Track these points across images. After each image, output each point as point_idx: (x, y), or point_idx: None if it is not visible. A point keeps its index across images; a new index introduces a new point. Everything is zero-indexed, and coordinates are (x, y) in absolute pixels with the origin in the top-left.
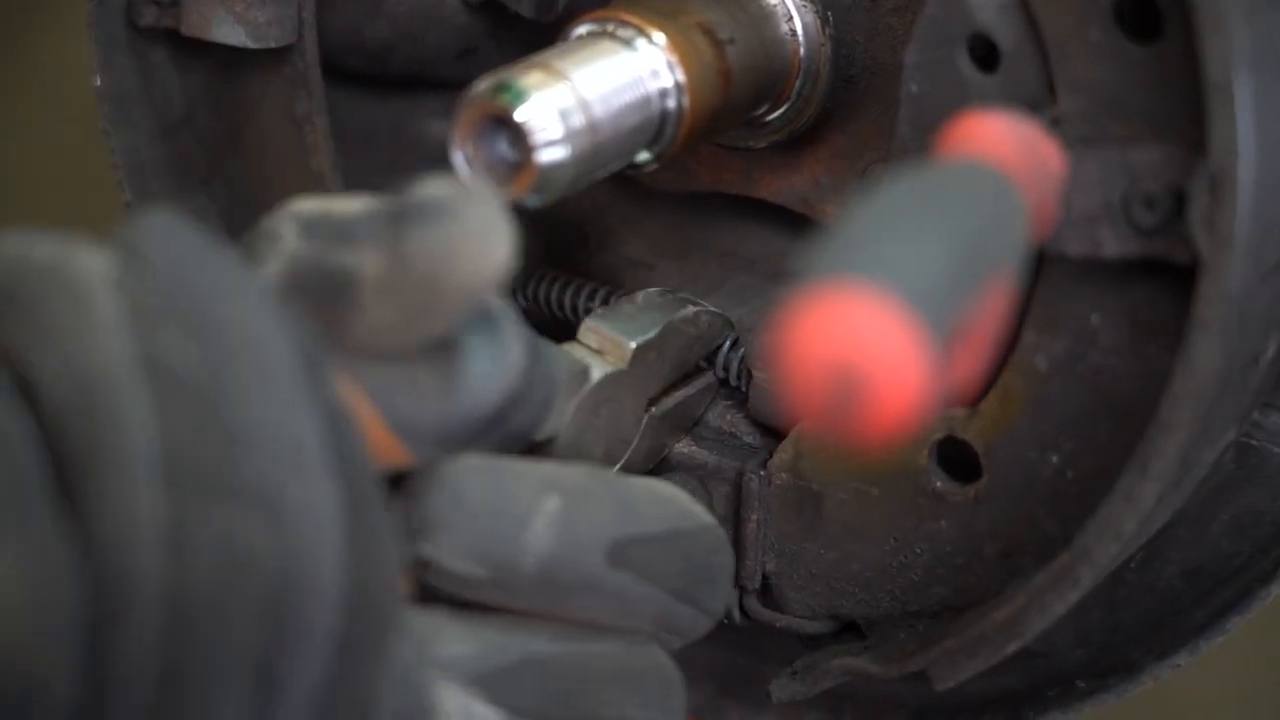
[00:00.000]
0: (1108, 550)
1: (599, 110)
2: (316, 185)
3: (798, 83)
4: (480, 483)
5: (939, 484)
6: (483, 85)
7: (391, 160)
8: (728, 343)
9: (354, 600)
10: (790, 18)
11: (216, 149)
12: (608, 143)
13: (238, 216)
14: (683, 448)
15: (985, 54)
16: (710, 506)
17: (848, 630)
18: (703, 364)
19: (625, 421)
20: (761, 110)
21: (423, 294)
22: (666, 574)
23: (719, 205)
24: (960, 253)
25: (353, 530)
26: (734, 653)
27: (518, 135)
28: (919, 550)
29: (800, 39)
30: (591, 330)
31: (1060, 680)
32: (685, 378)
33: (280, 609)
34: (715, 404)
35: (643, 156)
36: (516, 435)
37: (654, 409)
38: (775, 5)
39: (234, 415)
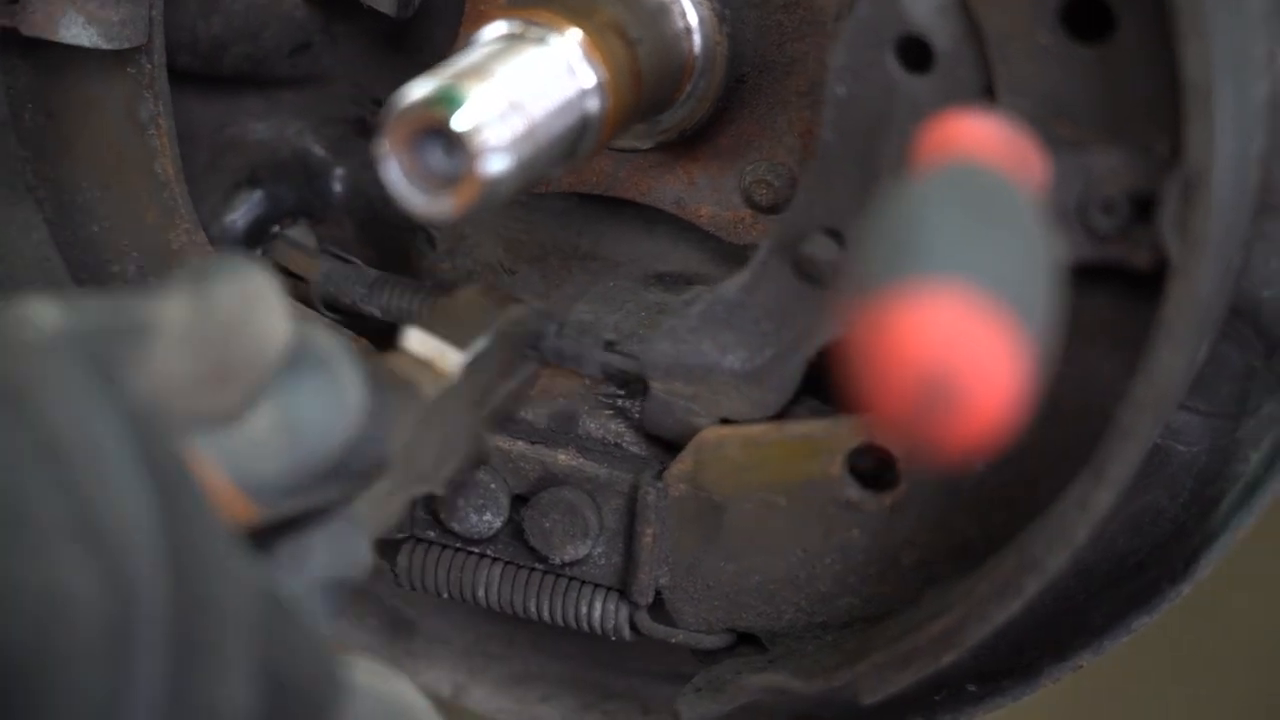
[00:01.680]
0: (1058, 559)
1: (537, 115)
2: (160, 192)
3: (691, 83)
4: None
5: (852, 494)
6: (416, 94)
7: (212, 161)
8: (553, 331)
9: (181, 606)
10: (684, 14)
11: (46, 154)
12: (544, 149)
13: (70, 224)
14: (570, 460)
15: (916, 55)
16: (600, 521)
17: (744, 643)
18: (527, 352)
19: (454, 430)
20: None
21: (224, 342)
22: None
23: (572, 205)
24: (1027, 252)
25: (172, 534)
26: (598, 668)
27: (457, 146)
28: (829, 561)
29: (695, 36)
30: (418, 339)
31: (947, 684)
32: (506, 376)
33: (107, 639)
34: (596, 413)
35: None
36: (360, 474)
37: (480, 411)
38: (670, 1)
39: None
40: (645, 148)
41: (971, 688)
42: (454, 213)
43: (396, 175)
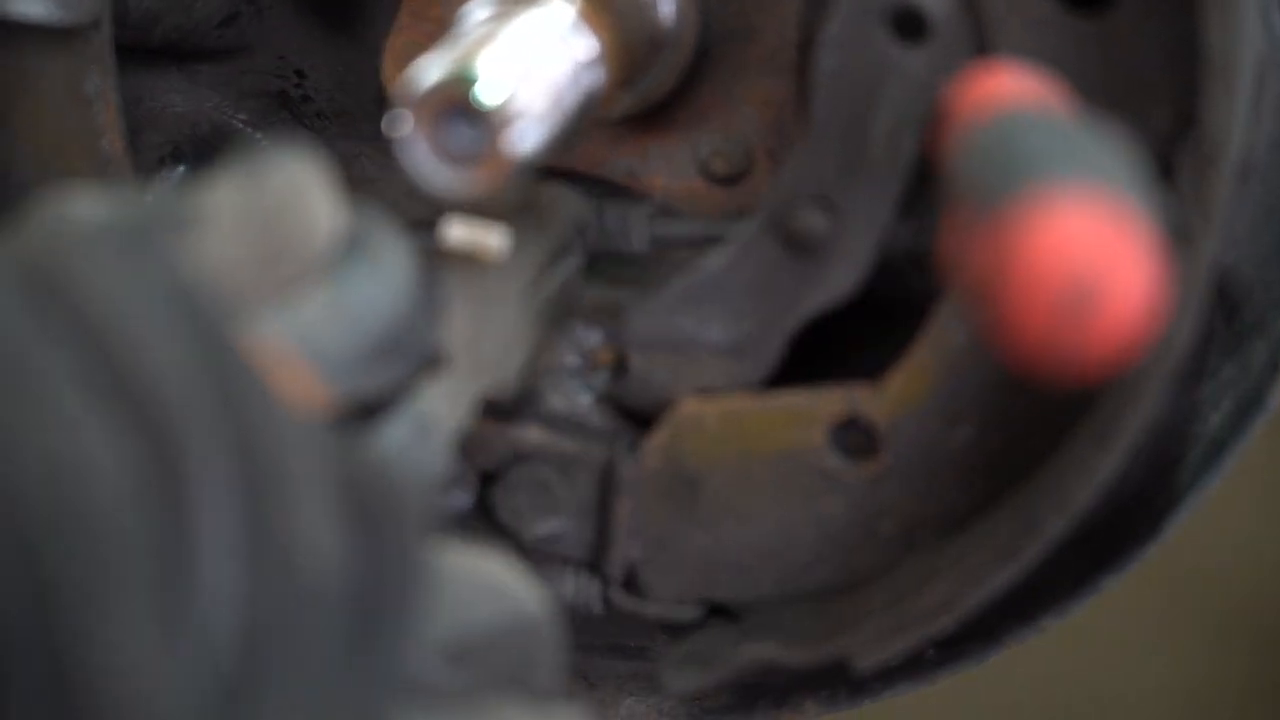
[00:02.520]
0: (1059, 524)
1: (555, 86)
2: (105, 169)
3: (662, 55)
4: None
5: (834, 463)
6: (434, 72)
7: (132, 137)
8: (595, 215)
9: (240, 451)
10: None
11: None
12: (564, 121)
13: (4, 204)
14: (538, 436)
15: (909, 27)
16: (571, 498)
17: (714, 615)
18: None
19: (512, 316)
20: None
21: (276, 225)
22: (500, 673)
23: None
24: (1128, 161)
25: (224, 397)
26: None
27: (483, 123)
28: (806, 531)
29: (668, 6)
30: (457, 224)
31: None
32: (555, 260)
33: (157, 491)
34: (560, 388)
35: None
36: (418, 353)
37: (536, 297)
38: None
39: None
40: (611, 120)
41: (929, 653)
42: (481, 190)
43: (423, 157)
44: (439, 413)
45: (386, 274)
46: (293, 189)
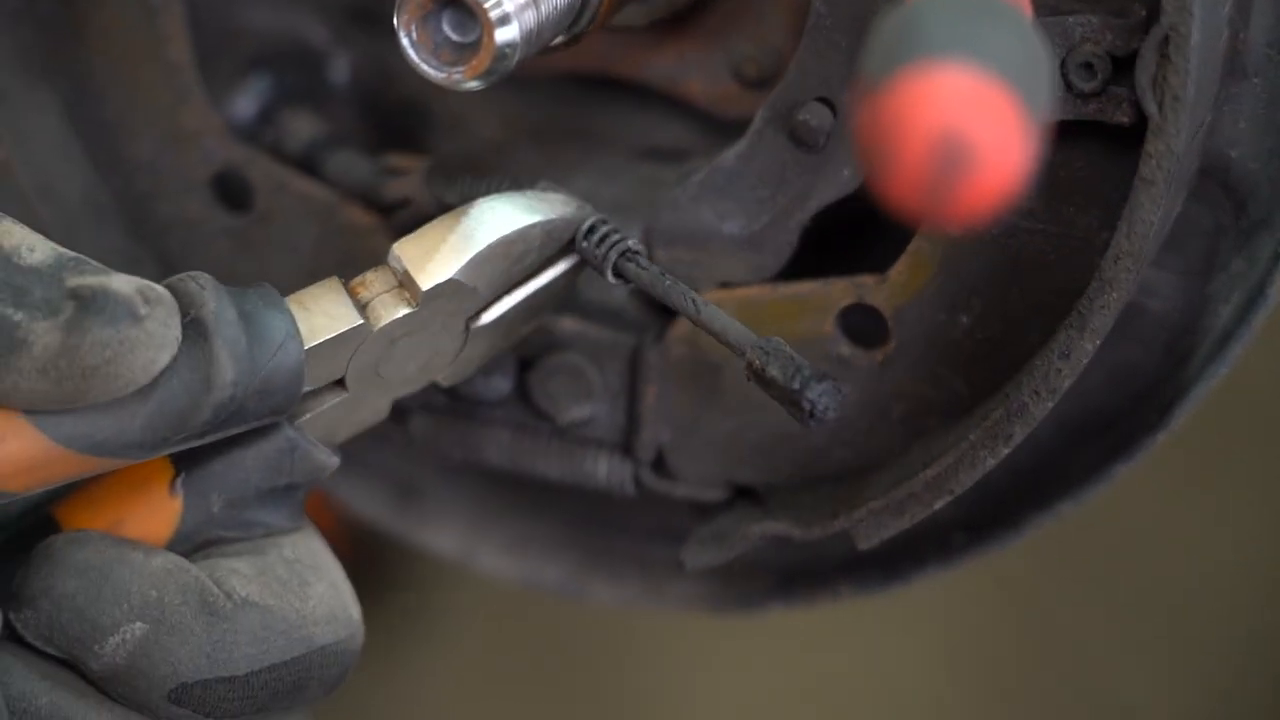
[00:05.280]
0: (1044, 406)
1: None
2: (172, 76)
3: None
4: (76, 582)
5: (844, 350)
6: None
7: (217, 49)
8: (584, 230)
9: None
10: None
11: (60, 40)
12: (549, 18)
13: (84, 108)
14: (572, 325)
15: None
16: (602, 383)
17: (741, 496)
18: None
19: (441, 340)
20: None
21: (81, 380)
22: (239, 708)
23: (564, 86)
24: (1025, 42)
25: None
26: (593, 527)
27: (468, 15)
28: None
29: None
30: (398, 257)
31: (934, 534)
32: (528, 276)
33: None
34: (596, 281)
35: (558, 38)
36: (260, 416)
37: (476, 323)
38: None
39: None
40: (639, 25)
41: (958, 536)
42: (467, 80)
43: (410, 47)
44: (319, 426)
45: (208, 372)
46: (113, 348)
